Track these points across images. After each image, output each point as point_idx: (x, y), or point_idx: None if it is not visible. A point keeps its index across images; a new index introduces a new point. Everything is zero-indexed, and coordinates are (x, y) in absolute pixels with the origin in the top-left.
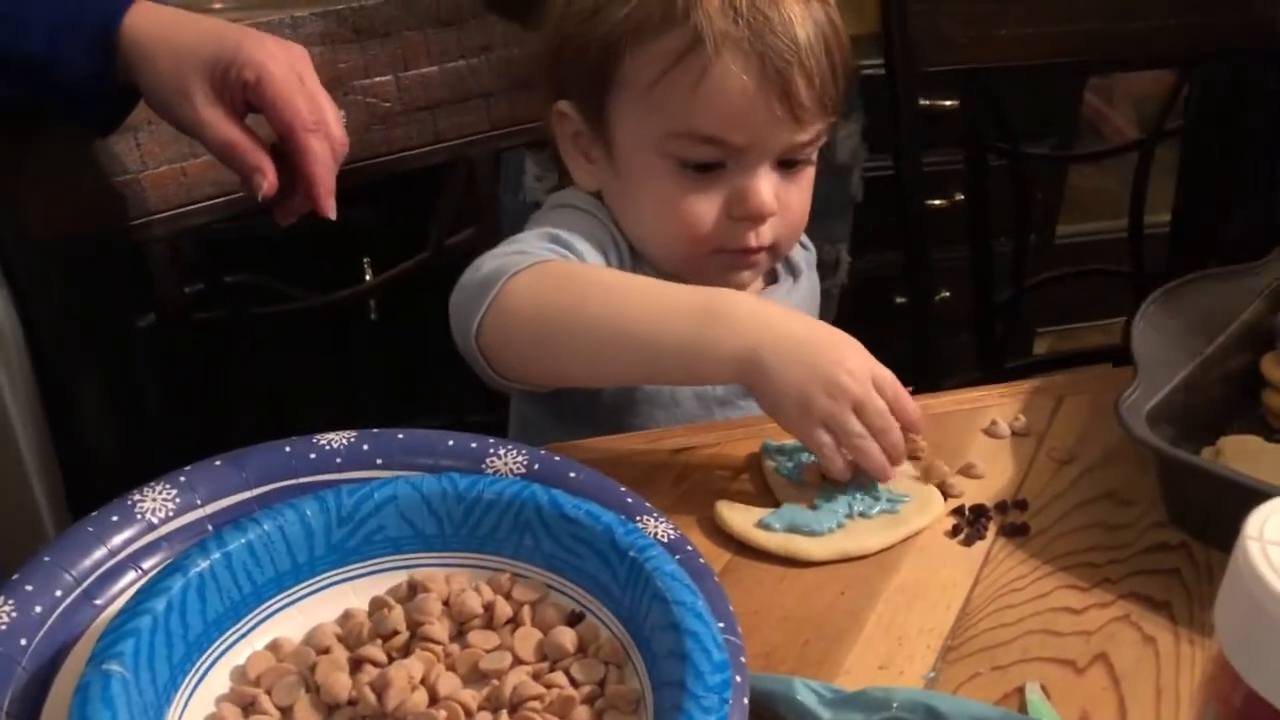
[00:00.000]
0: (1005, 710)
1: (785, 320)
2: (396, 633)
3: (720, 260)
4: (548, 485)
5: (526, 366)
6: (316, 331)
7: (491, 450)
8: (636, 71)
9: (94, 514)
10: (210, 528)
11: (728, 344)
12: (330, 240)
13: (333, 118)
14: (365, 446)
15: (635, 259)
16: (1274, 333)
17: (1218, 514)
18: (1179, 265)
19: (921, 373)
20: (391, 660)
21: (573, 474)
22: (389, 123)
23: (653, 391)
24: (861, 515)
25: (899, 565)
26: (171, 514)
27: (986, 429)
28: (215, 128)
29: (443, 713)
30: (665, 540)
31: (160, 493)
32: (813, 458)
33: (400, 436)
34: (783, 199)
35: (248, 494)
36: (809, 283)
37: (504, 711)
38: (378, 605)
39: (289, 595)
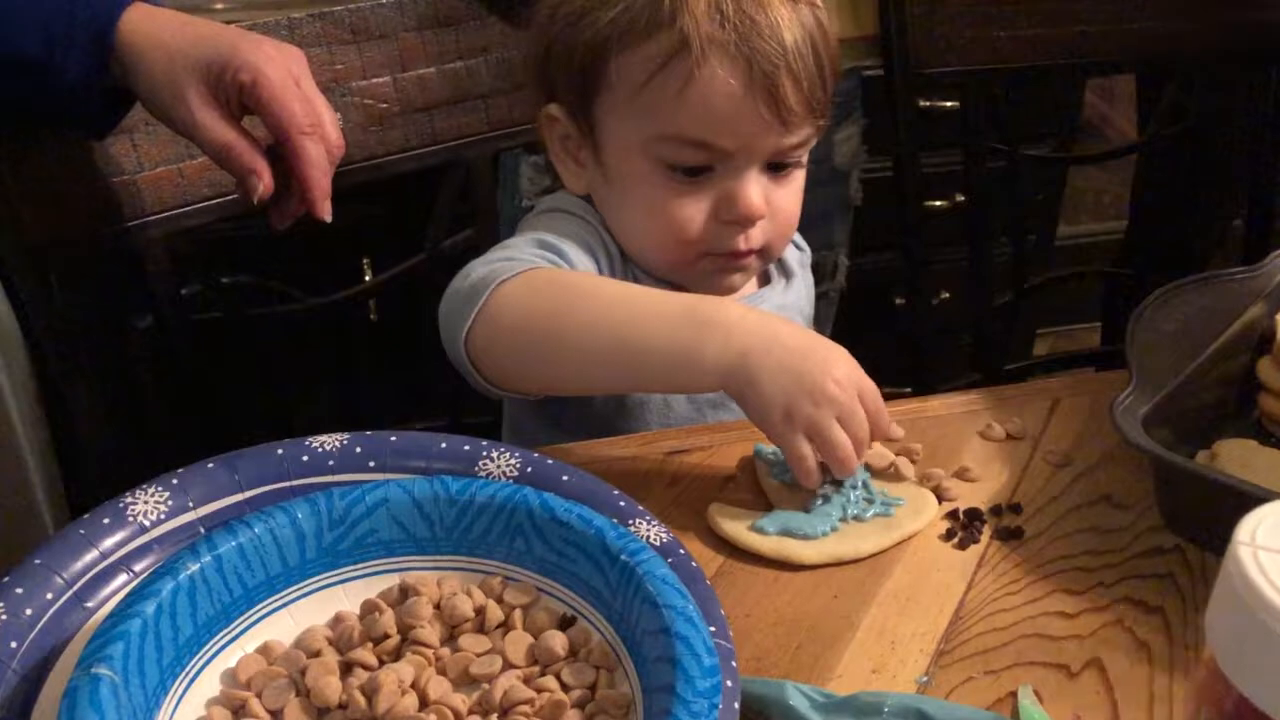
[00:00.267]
0: (997, 715)
1: (773, 327)
2: (387, 636)
3: (709, 263)
4: (540, 488)
5: (516, 374)
6: (316, 332)
7: (484, 453)
8: (623, 75)
9: (85, 516)
10: (202, 530)
11: (715, 351)
12: (331, 241)
13: (329, 120)
14: (358, 449)
15: (625, 262)
16: (1271, 336)
17: (1212, 518)
18: (1174, 269)
19: (920, 375)
20: (382, 664)
21: (565, 477)
22: (386, 124)
23: (644, 395)
24: (855, 519)
25: (892, 569)
26: (163, 516)
27: (982, 432)
28: (211, 130)
29: (432, 716)
30: (657, 544)
31: (152, 495)
32: None
33: (393, 439)
34: (772, 202)
35: (240, 496)
36: (803, 284)
37: (494, 715)
38: (369, 608)
39: (280, 598)
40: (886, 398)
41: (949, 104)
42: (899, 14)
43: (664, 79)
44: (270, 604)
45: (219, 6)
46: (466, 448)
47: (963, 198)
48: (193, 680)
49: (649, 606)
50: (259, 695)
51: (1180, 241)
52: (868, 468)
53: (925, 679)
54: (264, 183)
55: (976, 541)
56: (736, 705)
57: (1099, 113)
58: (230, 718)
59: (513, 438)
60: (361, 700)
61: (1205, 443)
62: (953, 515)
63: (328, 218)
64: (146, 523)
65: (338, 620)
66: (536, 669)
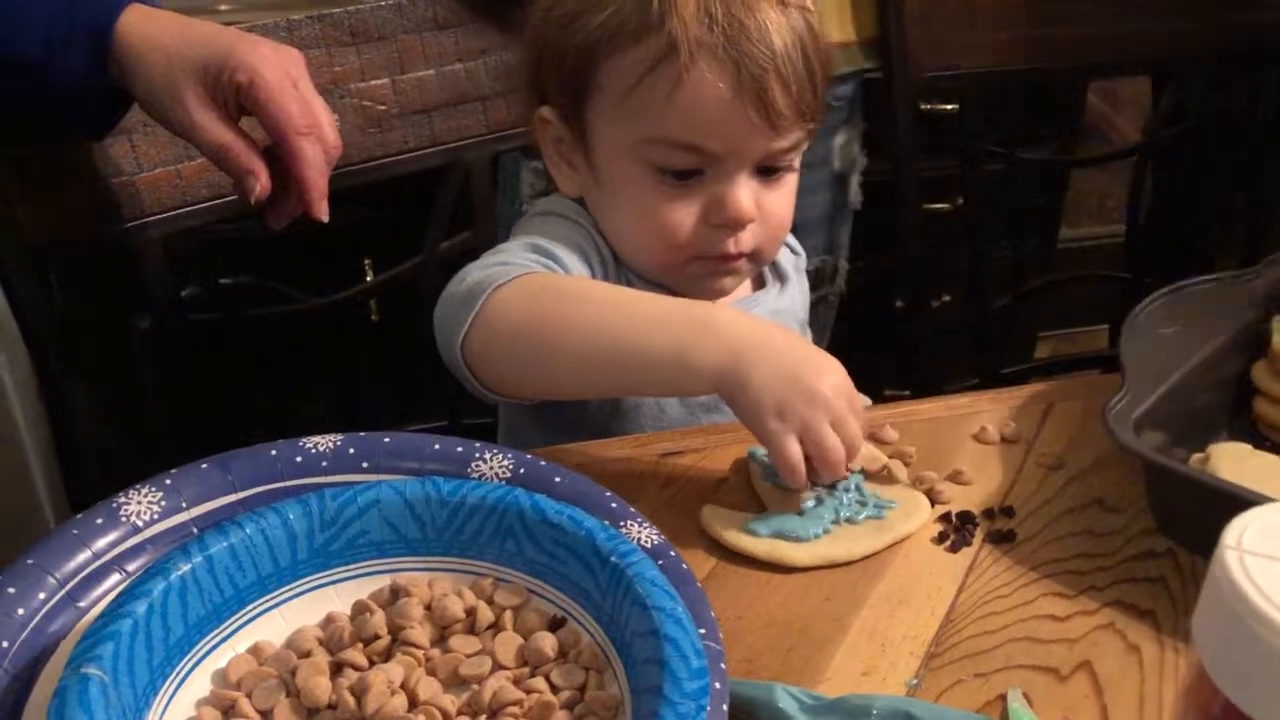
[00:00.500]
0: (986, 717)
1: (768, 333)
2: (378, 637)
3: (699, 267)
4: (533, 490)
5: (512, 379)
6: (316, 333)
7: (477, 454)
8: (613, 78)
9: (78, 516)
10: (195, 530)
11: (710, 354)
12: (331, 242)
13: (326, 121)
14: (351, 450)
15: (618, 265)
16: (1266, 340)
17: (1204, 522)
18: (1173, 271)
19: (919, 378)
20: (373, 664)
21: (558, 479)
22: (384, 126)
23: (638, 399)
24: (848, 521)
25: (884, 572)
26: (156, 517)
27: (976, 435)
28: (208, 131)
29: (421, 717)
30: (648, 545)
31: (145, 495)
32: None
33: (386, 440)
34: (764, 205)
35: (233, 497)
36: (798, 288)
37: (483, 717)
38: (360, 609)
39: (271, 599)
40: (885, 401)
41: (949, 107)
42: (897, 17)
43: (652, 82)
44: (261, 604)
45: (223, 8)
46: (459, 449)
47: (963, 201)
48: (183, 680)
49: (638, 608)
50: (249, 695)
51: (1180, 244)
52: (861, 470)
53: (915, 681)
54: (261, 183)
55: (969, 544)
56: (725, 707)
57: (1103, 116)
58: (220, 718)
59: (508, 440)
60: (351, 701)
61: (1200, 447)
62: (945, 518)
63: (324, 218)
64: (139, 523)
65: (329, 621)
66: (526, 670)
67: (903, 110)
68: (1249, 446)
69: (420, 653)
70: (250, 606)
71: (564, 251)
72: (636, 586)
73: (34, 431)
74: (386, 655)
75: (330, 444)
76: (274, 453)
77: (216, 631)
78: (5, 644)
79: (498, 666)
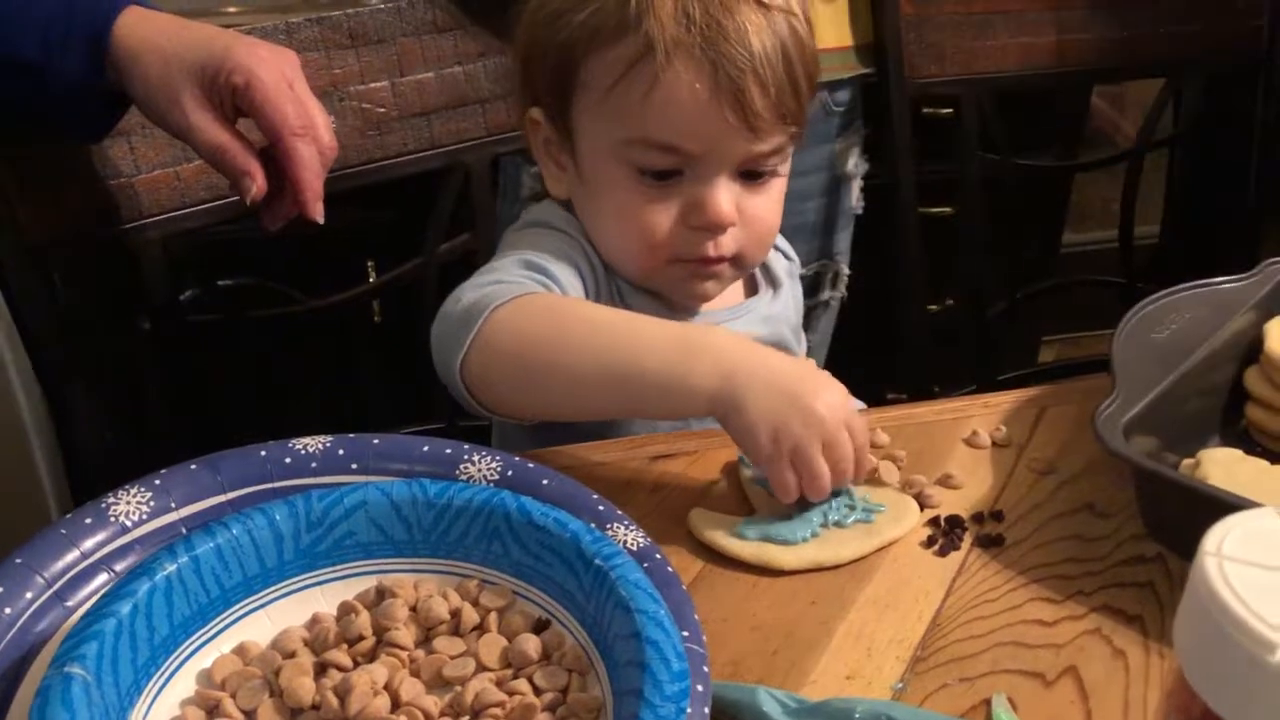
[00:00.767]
0: None
1: (763, 354)
2: (363, 638)
3: (679, 270)
4: (520, 492)
5: (510, 400)
6: (316, 334)
7: (466, 456)
8: (595, 76)
9: (67, 516)
10: (184, 531)
11: (705, 375)
12: (332, 244)
13: (322, 123)
14: (340, 451)
15: (609, 273)
16: (1259, 346)
17: (1193, 527)
18: (1171, 276)
19: (918, 383)
20: (357, 665)
21: (545, 481)
22: (384, 128)
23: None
24: (836, 525)
25: (872, 575)
26: (145, 517)
27: (967, 439)
28: (204, 132)
29: (403, 718)
30: (634, 548)
31: (134, 496)
32: None
33: (375, 442)
34: (745, 209)
35: (222, 498)
36: (791, 294)
37: (466, 718)
38: (345, 610)
39: (258, 599)
40: (884, 405)
41: (946, 111)
42: (892, 22)
43: (630, 82)
44: (248, 605)
45: (231, 10)
46: (448, 451)
47: (960, 206)
48: (168, 680)
49: (621, 611)
50: (233, 695)
51: (1173, 249)
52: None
53: (900, 685)
54: (257, 184)
55: (957, 549)
56: (706, 710)
57: (1109, 120)
58: (204, 717)
59: (501, 443)
60: (334, 701)
61: (1191, 452)
62: (934, 522)
63: (320, 219)
64: (128, 523)
65: (314, 621)
66: (510, 672)
67: (899, 115)
68: (1240, 452)
69: (404, 654)
70: (236, 607)
71: (557, 266)
72: (620, 589)
73: (39, 429)
74: (371, 656)
75: (320, 445)
76: (263, 453)
77: (202, 631)
78: None
79: (481, 668)
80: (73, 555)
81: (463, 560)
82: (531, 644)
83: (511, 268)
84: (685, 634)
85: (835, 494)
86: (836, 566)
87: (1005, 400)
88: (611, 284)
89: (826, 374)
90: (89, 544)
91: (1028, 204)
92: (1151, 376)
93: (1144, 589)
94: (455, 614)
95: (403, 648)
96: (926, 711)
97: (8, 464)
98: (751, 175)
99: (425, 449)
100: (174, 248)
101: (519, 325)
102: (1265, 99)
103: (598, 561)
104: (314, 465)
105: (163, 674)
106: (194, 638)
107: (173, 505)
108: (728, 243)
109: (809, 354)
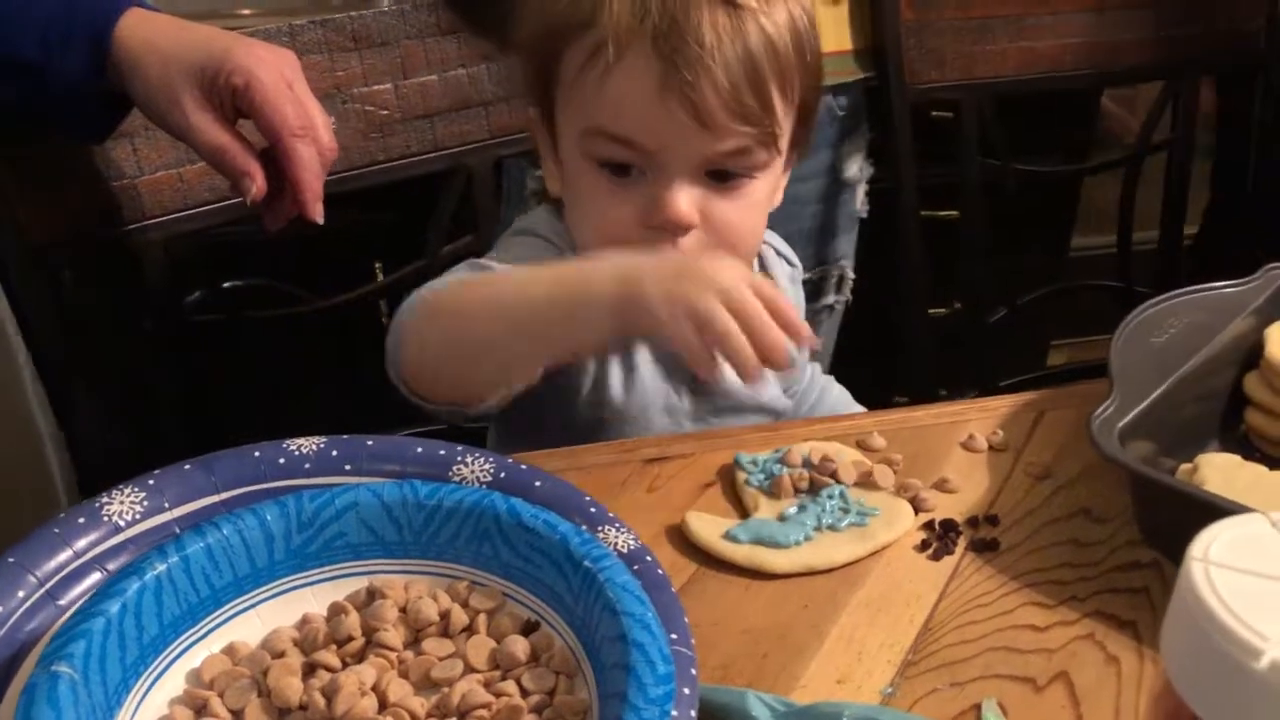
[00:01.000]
0: None
1: (657, 256)
2: (352, 638)
3: None
4: (512, 494)
5: (444, 386)
6: (320, 335)
7: (459, 458)
8: (566, 71)
9: (61, 516)
10: (177, 531)
11: (603, 284)
12: (333, 245)
13: (321, 123)
14: (334, 452)
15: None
16: (1259, 351)
17: (1188, 533)
18: (1174, 280)
19: (921, 387)
20: (346, 666)
21: (537, 483)
22: (387, 131)
23: (623, 416)
24: (830, 528)
25: (864, 579)
26: (139, 517)
27: (964, 443)
28: (205, 133)
29: (389, 719)
30: (624, 550)
31: (128, 495)
32: (785, 470)
33: (369, 443)
34: (711, 213)
35: (216, 498)
36: (794, 300)
37: (452, 719)
38: (335, 610)
39: (248, 599)
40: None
41: (946, 114)
42: (892, 28)
43: (587, 72)
44: (238, 605)
45: (245, 13)
46: (441, 452)
47: (961, 209)
48: (157, 679)
49: (609, 613)
50: (221, 695)
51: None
52: (841, 482)
53: (890, 690)
54: (257, 184)
55: (951, 553)
56: (693, 713)
57: (1121, 122)
58: (192, 717)
59: (497, 446)
60: (321, 701)
61: (1189, 457)
62: (928, 526)
63: (319, 219)
64: (121, 522)
65: (304, 622)
66: (498, 673)
67: (900, 121)
68: (1238, 457)
69: (393, 655)
70: (226, 607)
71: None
72: (608, 591)
73: (50, 427)
74: (360, 657)
75: (313, 446)
76: (257, 454)
77: (192, 631)
78: None
79: (469, 669)
80: (65, 554)
81: (453, 562)
82: (520, 646)
83: (459, 270)
84: (673, 636)
85: (829, 495)
86: (829, 570)
87: (1003, 404)
88: None
89: (730, 259)
90: (82, 543)
91: (1036, 208)
92: (1149, 381)
93: (1138, 595)
94: (445, 615)
95: (392, 649)
96: (916, 716)
97: (21, 463)
98: (720, 178)
99: (419, 450)
100: (177, 249)
101: (429, 310)
102: (1264, 100)
103: (586, 563)
104: (308, 466)
105: (151, 673)
106: (184, 637)
107: (166, 505)
108: (690, 245)
109: (814, 358)
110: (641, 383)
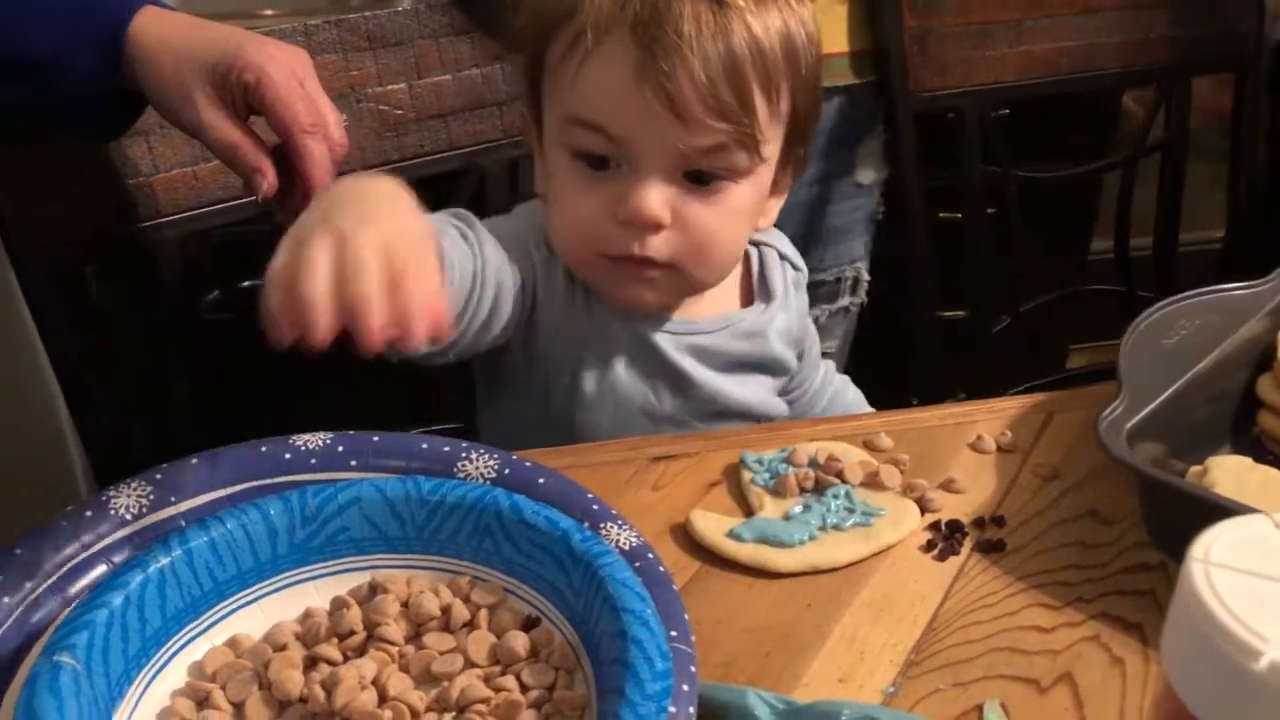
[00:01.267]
0: None
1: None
2: (354, 632)
3: (607, 267)
4: (516, 491)
5: None
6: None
7: (464, 454)
8: (550, 60)
9: (69, 509)
10: (184, 524)
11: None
12: None
13: (332, 120)
14: (340, 448)
15: (552, 256)
16: (1272, 353)
17: (1195, 535)
18: (1173, 282)
19: (933, 387)
20: (347, 659)
21: (541, 480)
22: (401, 130)
23: (626, 421)
24: (834, 528)
25: (868, 579)
26: (145, 510)
27: (972, 444)
28: (216, 130)
29: (388, 713)
30: (626, 547)
31: (135, 489)
32: (790, 469)
33: (375, 439)
34: (685, 215)
35: (221, 492)
36: (796, 305)
37: (451, 713)
38: (338, 605)
39: (251, 593)
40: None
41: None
42: (896, 35)
43: (569, 60)
44: (241, 598)
45: (267, 13)
46: (446, 449)
47: (991, 210)
48: (160, 671)
49: (609, 609)
50: (223, 687)
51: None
52: (847, 481)
53: (892, 689)
54: (268, 181)
55: (956, 553)
56: (692, 710)
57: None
58: (193, 709)
59: (500, 443)
60: (321, 695)
61: (1200, 459)
62: (934, 526)
63: None
64: (128, 516)
65: (307, 616)
66: (497, 669)
67: (904, 126)
68: (1249, 460)
69: (394, 649)
70: (229, 600)
71: (484, 232)
72: (608, 587)
73: (70, 423)
74: (362, 651)
75: (320, 442)
76: (264, 449)
77: (195, 624)
78: None
79: (469, 664)
80: (73, 547)
81: (455, 557)
82: (520, 641)
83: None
84: (673, 633)
85: (834, 494)
86: (833, 569)
87: (1012, 405)
88: (551, 273)
89: (420, 227)
90: (89, 536)
91: (1055, 211)
92: (1159, 383)
93: (1145, 597)
94: (446, 610)
95: (393, 643)
96: (916, 716)
97: (43, 459)
98: (699, 180)
99: (424, 447)
100: (193, 248)
101: None
102: (1255, 101)
103: (587, 560)
104: (313, 461)
105: (154, 665)
106: (187, 629)
107: (172, 499)
108: (658, 245)
109: (831, 357)
110: (618, 383)
